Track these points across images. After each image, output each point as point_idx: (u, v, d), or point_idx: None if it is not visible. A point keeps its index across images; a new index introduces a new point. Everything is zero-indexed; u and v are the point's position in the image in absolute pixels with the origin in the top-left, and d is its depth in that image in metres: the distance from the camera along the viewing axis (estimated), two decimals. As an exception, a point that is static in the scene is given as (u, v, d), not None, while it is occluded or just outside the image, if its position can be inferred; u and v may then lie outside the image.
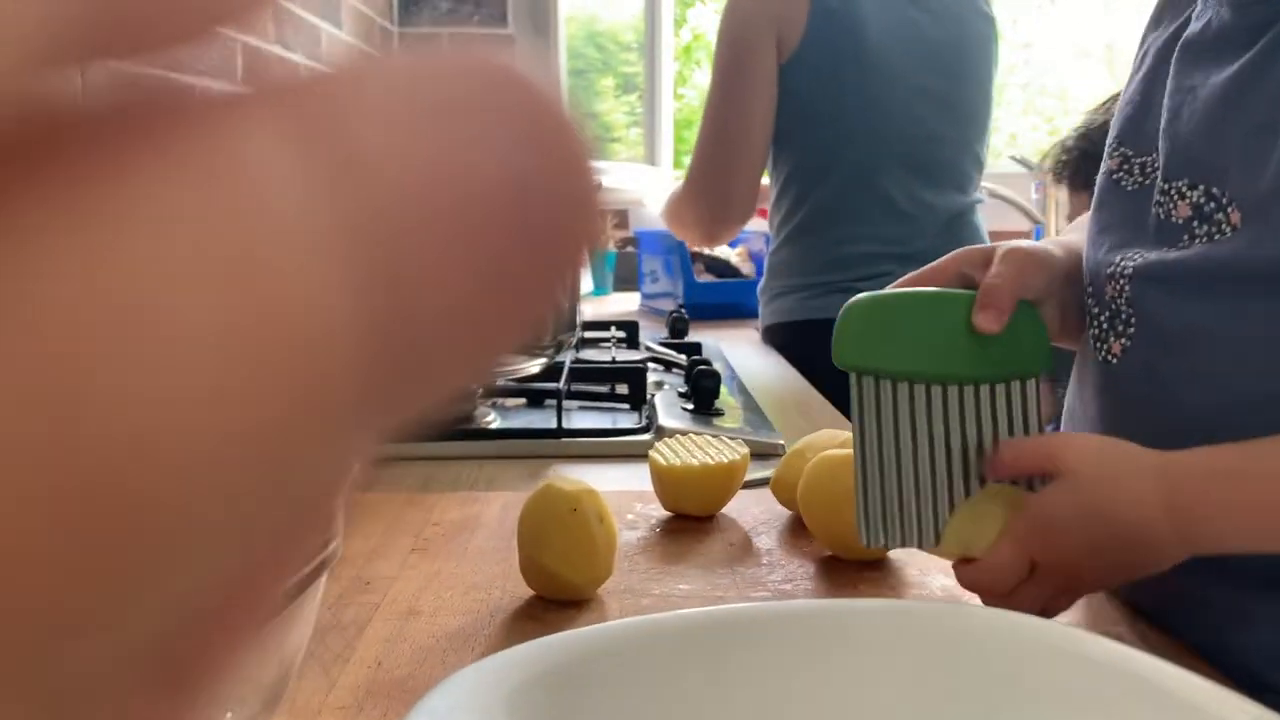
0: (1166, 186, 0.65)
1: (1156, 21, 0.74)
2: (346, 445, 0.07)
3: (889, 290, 0.61)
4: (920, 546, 0.59)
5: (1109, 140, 0.74)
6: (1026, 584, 0.55)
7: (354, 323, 0.07)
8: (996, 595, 0.56)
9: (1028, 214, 2.17)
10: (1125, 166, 0.70)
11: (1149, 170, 0.68)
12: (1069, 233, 0.81)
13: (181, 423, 0.06)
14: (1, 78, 0.06)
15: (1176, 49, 0.68)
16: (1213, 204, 0.62)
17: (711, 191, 1.48)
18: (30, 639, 0.06)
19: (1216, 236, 0.61)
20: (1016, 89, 3.28)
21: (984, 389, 0.59)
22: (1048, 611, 0.56)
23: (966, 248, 0.66)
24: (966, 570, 0.57)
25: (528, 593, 0.60)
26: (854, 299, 0.59)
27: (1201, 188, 0.63)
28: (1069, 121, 3.36)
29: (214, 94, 0.07)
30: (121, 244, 0.06)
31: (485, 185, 0.08)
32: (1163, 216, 0.65)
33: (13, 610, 0.06)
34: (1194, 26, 0.67)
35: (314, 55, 1.89)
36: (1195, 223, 0.63)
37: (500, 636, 0.55)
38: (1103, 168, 0.73)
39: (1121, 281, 0.66)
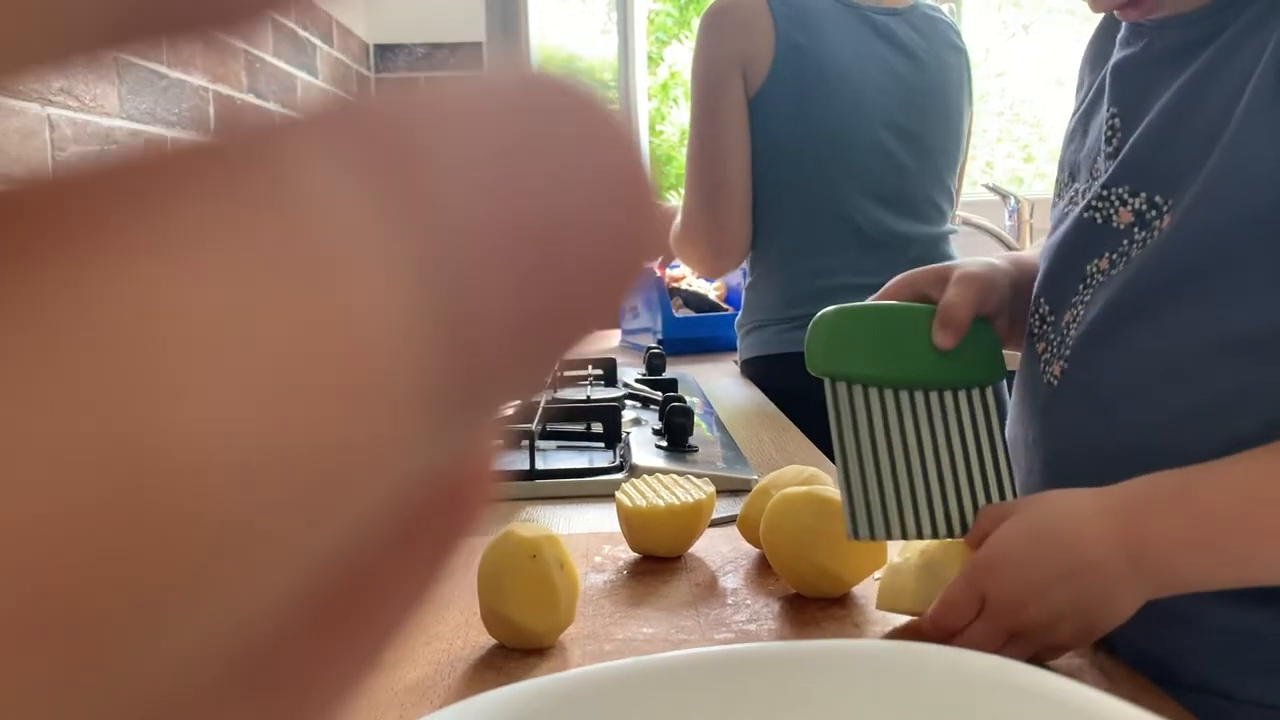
0: (1105, 193, 0.66)
1: (1091, 62, 0.76)
2: (417, 463, 0.07)
3: (855, 304, 0.65)
4: (904, 538, 0.61)
5: (1059, 179, 0.75)
6: (976, 622, 0.56)
7: (422, 346, 0.07)
8: (948, 631, 0.56)
9: (1002, 242, 2.19)
10: (1074, 199, 0.71)
11: (1081, 189, 0.70)
12: (1030, 249, 0.82)
13: (246, 443, 0.06)
14: (58, 52, 0.07)
15: (1108, 73, 0.69)
16: (1153, 211, 0.63)
17: (705, 227, 1.50)
18: (92, 653, 0.06)
19: (1148, 241, 0.63)
20: (991, 117, 3.31)
21: (946, 394, 0.63)
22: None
23: (919, 269, 0.70)
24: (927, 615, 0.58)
25: (489, 642, 0.60)
26: (822, 312, 0.63)
27: (1144, 195, 0.64)
28: (1044, 149, 3.39)
29: (276, 121, 0.07)
30: (184, 270, 0.06)
31: (551, 207, 0.08)
32: (1100, 221, 0.66)
33: (76, 621, 0.06)
34: (1129, 50, 0.68)
35: (289, 104, 1.90)
36: (1136, 229, 0.64)
37: (460, 687, 0.55)
38: (1057, 205, 0.74)
39: (1080, 309, 0.67)
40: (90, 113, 1.19)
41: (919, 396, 0.62)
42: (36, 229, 0.06)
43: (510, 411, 0.08)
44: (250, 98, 1.70)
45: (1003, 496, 0.64)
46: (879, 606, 0.62)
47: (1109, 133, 0.68)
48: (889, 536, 0.61)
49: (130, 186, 0.07)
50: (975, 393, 0.64)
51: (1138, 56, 0.67)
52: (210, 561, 0.06)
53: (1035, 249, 0.79)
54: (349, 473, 0.07)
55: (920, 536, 0.61)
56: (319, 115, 0.07)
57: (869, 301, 0.67)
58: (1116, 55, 0.69)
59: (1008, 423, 0.76)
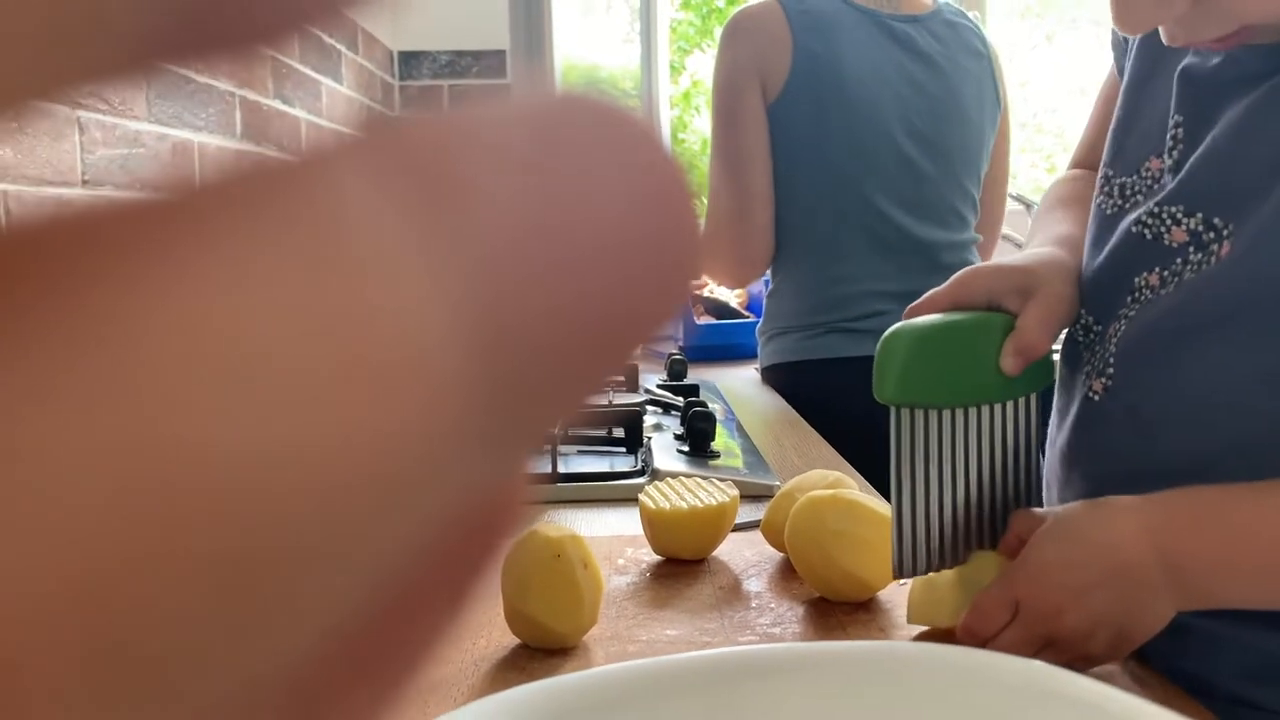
0: (1158, 210, 0.64)
1: (1143, 41, 0.74)
2: (455, 487, 0.07)
3: (925, 320, 0.61)
4: (942, 568, 0.60)
5: (1100, 174, 0.73)
6: (1009, 629, 0.55)
7: (462, 367, 0.07)
8: (982, 637, 0.55)
9: (1027, 250, 2.18)
10: (1106, 189, 0.70)
11: (1128, 192, 0.68)
12: (1054, 216, 0.78)
13: (286, 471, 0.06)
14: (93, 68, 0.07)
15: (1176, 76, 0.66)
16: (1211, 233, 0.61)
17: (729, 237, 1.51)
18: (139, 683, 0.06)
19: (1204, 266, 0.61)
20: (1014, 127, 3.30)
21: (998, 406, 0.61)
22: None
23: (996, 266, 0.65)
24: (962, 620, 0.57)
25: (512, 641, 0.60)
26: (892, 332, 0.59)
27: (1200, 215, 0.62)
28: (1066, 159, 3.38)
29: (316, 141, 0.07)
30: (230, 290, 0.06)
31: (593, 226, 0.08)
32: (1150, 237, 0.64)
33: (126, 653, 0.06)
34: (1199, 59, 0.65)
35: (314, 110, 1.91)
36: (1191, 249, 0.62)
37: (483, 686, 0.55)
38: (1095, 201, 0.73)
39: (1123, 323, 0.65)
40: (119, 116, 1.20)
41: (971, 412, 0.60)
42: (90, 252, 0.06)
43: (552, 434, 0.08)
44: (276, 104, 1.71)
45: (1030, 506, 0.63)
46: (911, 621, 0.61)
47: (1171, 142, 0.66)
48: (929, 570, 0.59)
49: (178, 210, 0.07)
50: (1021, 401, 0.62)
51: (1210, 71, 0.65)
52: (254, 578, 0.06)
53: (1060, 220, 0.77)
54: (391, 489, 0.07)
55: (956, 563, 0.60)
56: (358, 138, 0.07)
57: (937, 319, 0.62)
58: (1188, 59, 0.66)
59: (1050, 425, 0.75)
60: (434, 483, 0.07)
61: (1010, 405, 0.61)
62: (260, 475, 0.06)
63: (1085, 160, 0.87)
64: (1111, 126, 0.72)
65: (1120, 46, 0.78)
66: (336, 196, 0.07)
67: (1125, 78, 0.73)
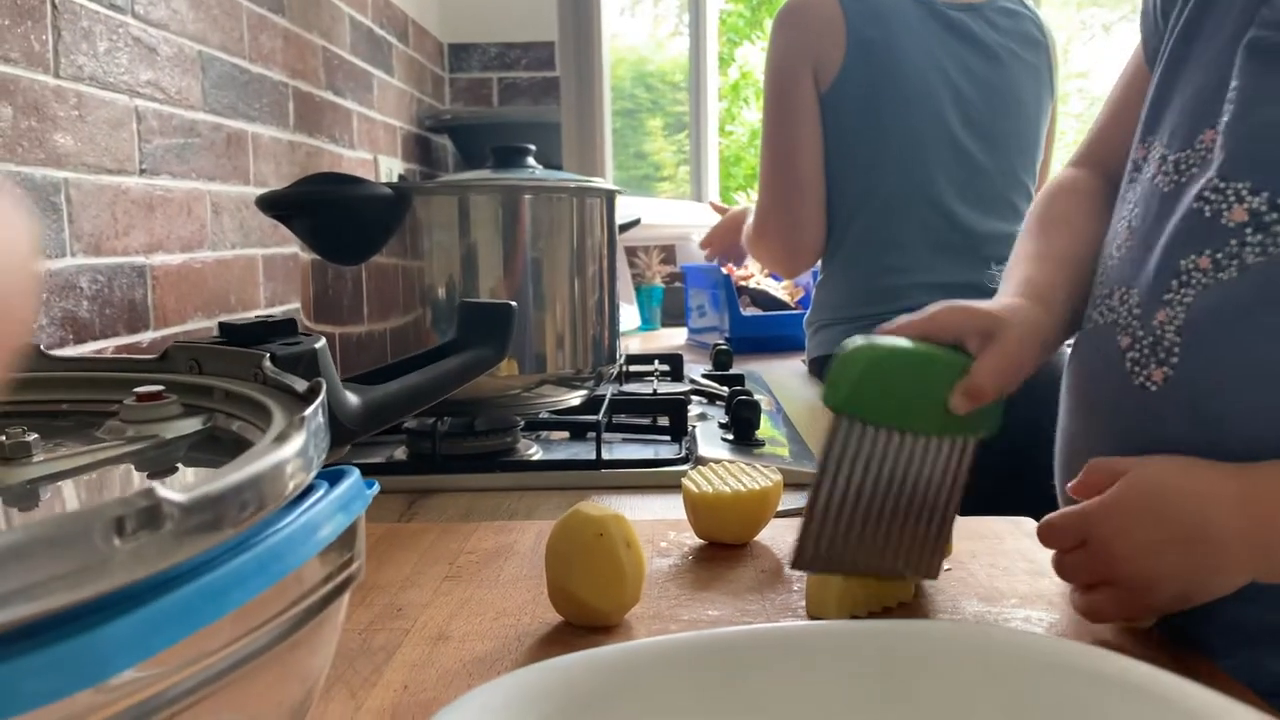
0: (1222, 185, 0.62)
1: (1154, 23, 0.72)
2: None
3: (889, 341, 0.62)
4: (838, 574, 0.61)
5: (1136, 154, 0.72)
6: (1076, 553, 0.57)
7: None
8: (1050, 547, 0.58)
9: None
10: (1154, 160, 0.68)
11: (1182, 167, 0.66)
12: (1031, 248, 0.76)
13: None
14: None
15: (1243, 47, 0.64)
16: (1276, 214, 0.60)
17: (780, 226, 1.51)
18: None
19: (1270, 249, 0.59)
20: (1069, 119, 3.25)
21: (934, 440, 0.62)
22: (1087, 601, 0.57)
23: (967, 305, 0.65)
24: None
25: (556, 619, 0.60)
26: (855, 345, 0.60)
27: (1265, 195, 0.60)
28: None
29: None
30: None
31: None
32: (1209, 214, 0.62)
33: None
34: (1269, 33, 0.63)
35: (365, 101, 1.94)
36: (1249, 230, 0.60)
37: (526, 661, 0.55)
38: (1137, 159, 0.71)
39: (1179, 309, 0.63)
40: (175, 105, 1.22)
41: (909, 438, 0.61)
42: None
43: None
44: (329, 95, 1.73)
45: (935, 552, 0.63)
46: (809, 613, 0.62)
47: (1228, 106, 0.64)
48: (824, 570, 0.60)
49: None
50: (960, 441, 0.62)
51: (1277, 44, 0.62)
52: None
53: (1034, 256, 0.75)
54: None
55: (854, 573, 0.61)
56: None
57: (897, 343, 0.62)
58: (1254, 31, 0.64)
59: (1061, 414, 0.74)
60: None
61: (948, 442, 0.62)
62: None
63: (1091, 151, 0.85)
64: (1148, 101, 0.71)
65: (1152, 21, 0.76)
66: None
67: (1164, 56, 0.71)
